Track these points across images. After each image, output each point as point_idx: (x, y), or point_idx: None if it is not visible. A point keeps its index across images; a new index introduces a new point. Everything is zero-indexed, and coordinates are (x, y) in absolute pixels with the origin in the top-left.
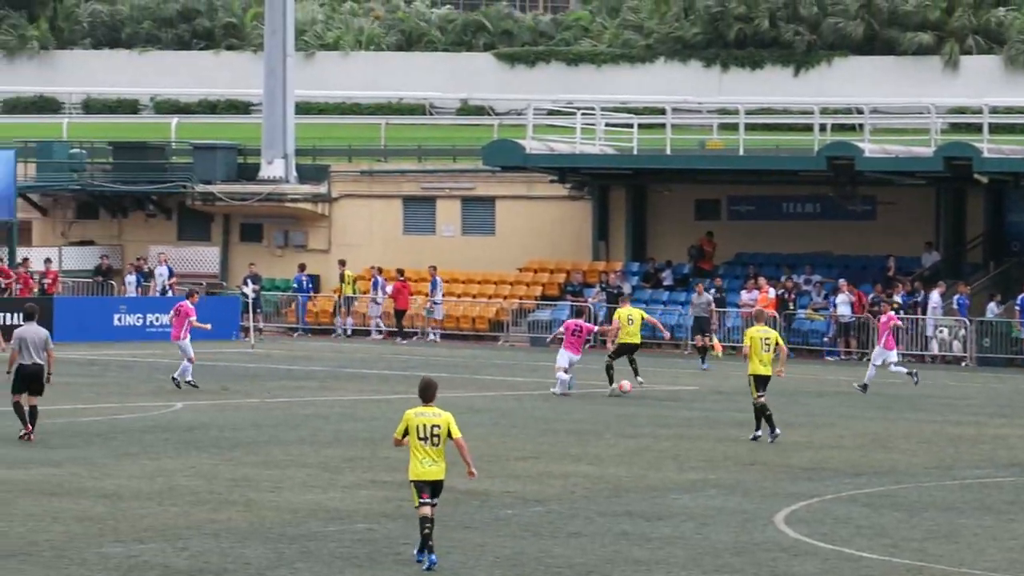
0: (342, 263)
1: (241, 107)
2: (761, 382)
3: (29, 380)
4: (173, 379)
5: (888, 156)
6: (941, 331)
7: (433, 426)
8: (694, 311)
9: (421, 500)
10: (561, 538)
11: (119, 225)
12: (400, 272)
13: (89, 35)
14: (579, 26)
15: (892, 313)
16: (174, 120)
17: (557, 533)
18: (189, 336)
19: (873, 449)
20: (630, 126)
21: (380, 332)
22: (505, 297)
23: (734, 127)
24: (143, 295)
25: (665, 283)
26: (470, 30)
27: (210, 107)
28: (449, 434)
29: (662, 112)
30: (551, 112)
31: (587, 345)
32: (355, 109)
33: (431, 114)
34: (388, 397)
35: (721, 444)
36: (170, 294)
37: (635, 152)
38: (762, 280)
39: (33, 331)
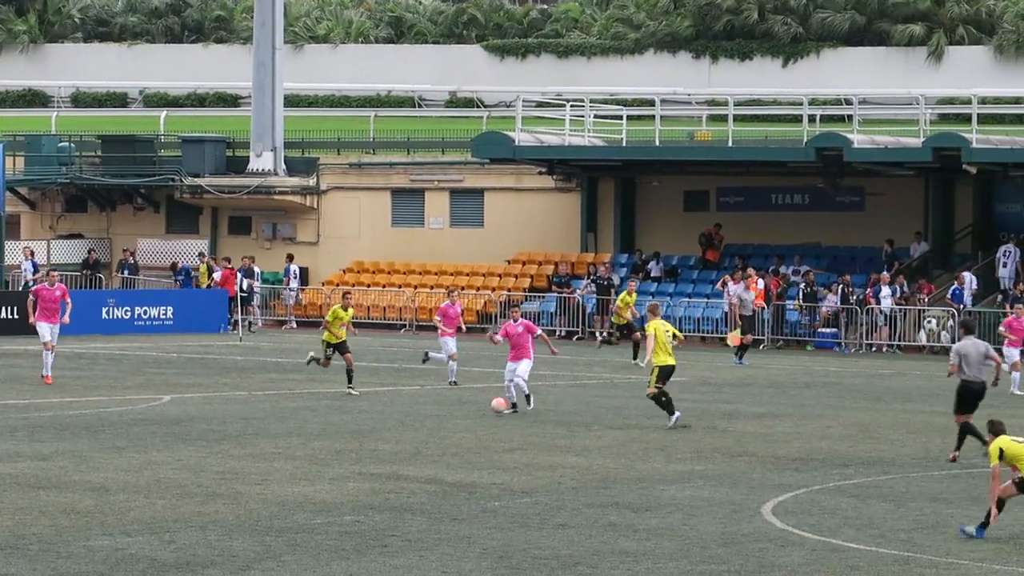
0: (201, 255)
1: (230, 100)
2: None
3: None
4: (451, 383)
5: (877, 147)
6: (929, 321)
7: None
8: (742, 309)
9: None
10: (548, 529)
11: (108, 218)
12: (227, 260)
13: (78, 29)
14: (569, 18)
15: None
16: (163, 113)
17: (544, 524)
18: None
19: (861, 440)
20: (619, 118)
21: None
22: (493, 289)
23: (723, 118)
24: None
25: (652, 274)
26: (460, 22)
27: (199, 100)
28: None
29: (651, 104)
30: (540, 104)
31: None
32: (344, 102)
33: (420, 106)
34: (376, 389)
35: (709, 435)
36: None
37: (624, 144)
38: (751, 271)
39: (973, 345)
